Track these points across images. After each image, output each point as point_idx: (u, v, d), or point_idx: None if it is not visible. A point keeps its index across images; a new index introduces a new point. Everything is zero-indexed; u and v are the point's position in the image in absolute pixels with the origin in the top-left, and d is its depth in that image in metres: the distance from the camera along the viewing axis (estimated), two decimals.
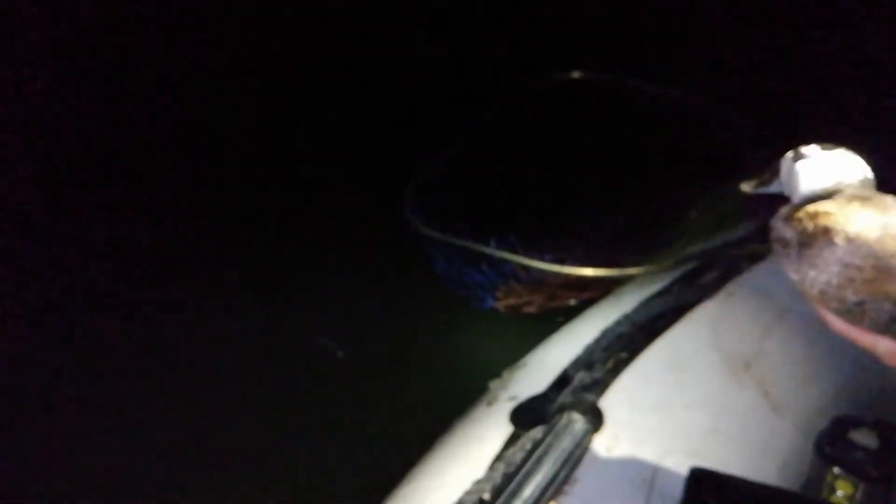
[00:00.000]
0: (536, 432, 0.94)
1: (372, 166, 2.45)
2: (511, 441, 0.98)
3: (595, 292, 1.41)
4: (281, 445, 1.82)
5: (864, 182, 0.71)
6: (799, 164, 0.72)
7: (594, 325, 1.21)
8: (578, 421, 0.89)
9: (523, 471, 0.83)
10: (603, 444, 0.96)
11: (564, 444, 0.84)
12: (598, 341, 1.13)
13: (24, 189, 2.64)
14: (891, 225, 0.67)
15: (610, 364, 1.10)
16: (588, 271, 1.37)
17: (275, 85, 2.95)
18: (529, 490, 0.84)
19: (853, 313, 0.69)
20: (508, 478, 0.90)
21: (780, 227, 0.72)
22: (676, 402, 1.07)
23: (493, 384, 1.20)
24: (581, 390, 1.03)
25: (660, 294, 1.28)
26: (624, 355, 1.12)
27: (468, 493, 0.90)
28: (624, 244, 1.47)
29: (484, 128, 1.56)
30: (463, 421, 1.11)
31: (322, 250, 2.31)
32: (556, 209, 1.60)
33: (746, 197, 1.56)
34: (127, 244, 2.52)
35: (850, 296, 0.68)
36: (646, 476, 0.94)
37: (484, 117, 1.59)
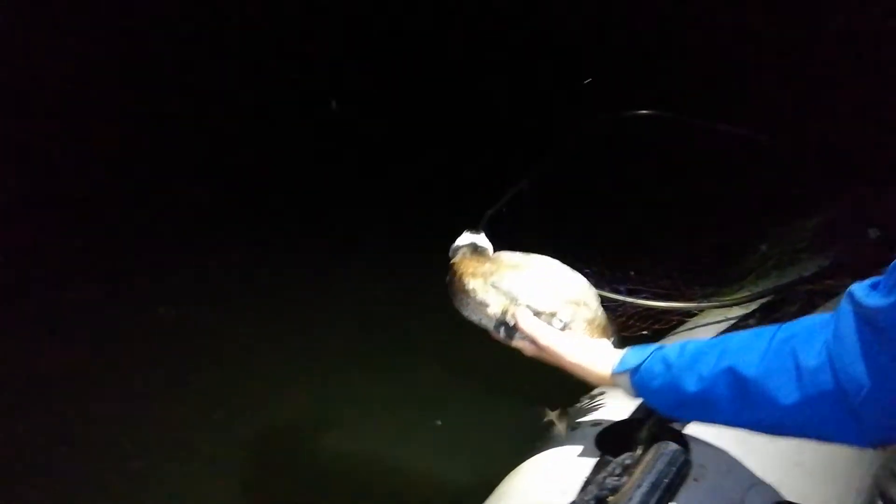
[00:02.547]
0: (626, 458, 0.97)
1: (445, 199, 2.55)
2: (599, 465, 1.02)
3: (666, 324, 1.44)
4: (349, 479, 1.89)
5: (475, 247, 1.14)
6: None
7: None
8: (675, 449, 0.92)
9: (621, 494, 0.86)
10: (690, 474, 0.99)
11: (663, 472, 0.87)
12: None
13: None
14: (487, 272, 1.07)
15: None
16: (661, 304, 1.40)
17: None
18: None
19: (485, 328, 1.08)
20: (600, 501, 0.93)
21: (448, 275, 1.12)
22: None
23: (573, 409, 1.24)
24: (667, 419, 1.06)
25: (735, 327, 1.31)
26: None
27: None
28: (697, 278, 1.50)
29: (557, 162, 1.62)
30: (547, 443, 1.15)
31: (396, 275, 2.41)
32: (630, 242, 1.65)
33: (819, 233, 1.58)
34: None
35: (473, 316, 1.09)
36: None
37: (556, 152, 1.65)
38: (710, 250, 1.59)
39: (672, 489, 0.87)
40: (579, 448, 1.08)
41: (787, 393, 0.75)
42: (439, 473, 1.82)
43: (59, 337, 2.41)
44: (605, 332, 1.07)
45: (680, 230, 1.66)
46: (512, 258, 1.11)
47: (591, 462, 1.04)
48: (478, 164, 2.74)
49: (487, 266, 1.08)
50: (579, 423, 1.16)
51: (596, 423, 1.13)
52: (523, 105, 2.91)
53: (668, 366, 0.88)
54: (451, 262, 1.12)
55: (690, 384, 0.84)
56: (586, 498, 0.93)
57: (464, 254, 1.13)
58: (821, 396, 0.72)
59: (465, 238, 1.16)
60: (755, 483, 1.01)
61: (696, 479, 0.98)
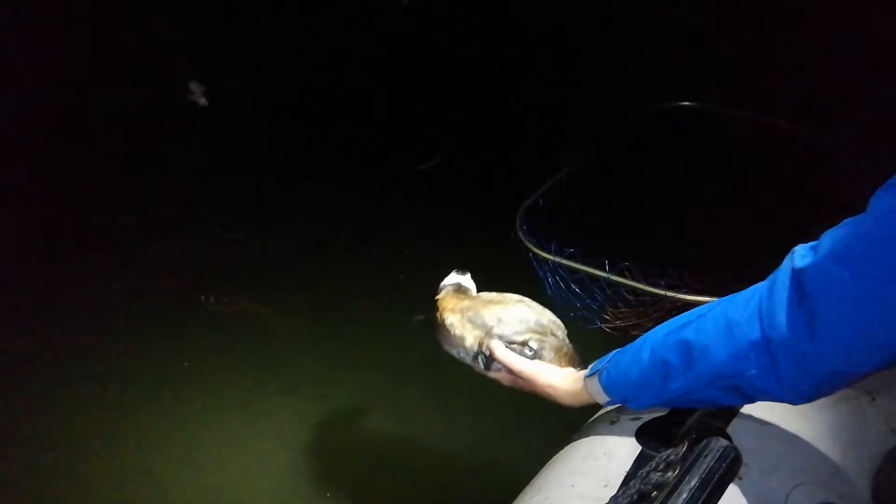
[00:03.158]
0: (670, 454, 0.97)
1: (486, 189, 2.55)
2: (641, 460, 1.02)
3: None
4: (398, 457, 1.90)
5: (458, 286, 1.25)
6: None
7: None
8: (726, 444, 0.91)
9: (669, 488, 0.86)
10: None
11: (714, 468, 0.86)
12: None
13: None
14: (465, 308, 1.18)
15: None
16: (701, 298, 1.38)
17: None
18: None
19: (464, 361, 1.18)
20: (643, 495, 0.93)
21: (433, 312, 1.22)
22: (803, 432, 1.08)
23: None
24: (708, 416, 1.05)
25: None
26: None
27: None
28: (738, 273, 1.48)
29: (597, 154, 1.61)
30: (585, 435, 1.15)
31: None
32: (670, 235, 1.63)
33: None
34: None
35: (453, 350, 1.19)
36: None
37: (595, 143, 1.63)
38: (752, 246, 1.56)
39: (722, 485, 0.86)
40: (619, 442, 1.08)
41: (719, 347, 0.83)
42: (477, 463, 1.83)
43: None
44: (572, 361, 1.17)
45: (721, 226, 1.63)
46: (489, 296, 1.23)
47: (630, 456, 1.04)
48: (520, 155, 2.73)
49: (466, 303, 1.20)
50: (619, 416, 1.16)
51: (635, 418, 1.12)
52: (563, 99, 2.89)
53: (627, 351, 0.96)
54: (436, 298, 1.24)
55: (645, 357, 0.92)
56: (629, 492, 0.93)
57: (447, 292, 1.25)
58: (749, 346, 0.80)
59: (451, 278, 1.27)
60: (799, 483, 1.00)
61: (739, 477, 0.98)
